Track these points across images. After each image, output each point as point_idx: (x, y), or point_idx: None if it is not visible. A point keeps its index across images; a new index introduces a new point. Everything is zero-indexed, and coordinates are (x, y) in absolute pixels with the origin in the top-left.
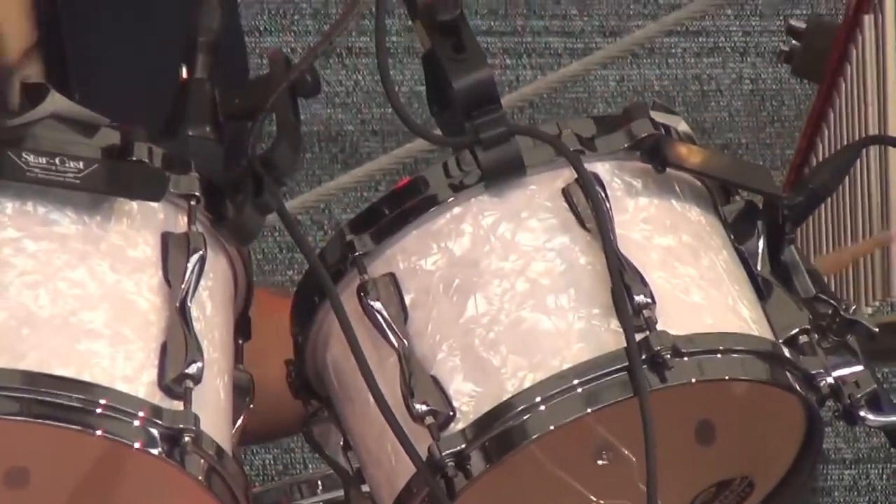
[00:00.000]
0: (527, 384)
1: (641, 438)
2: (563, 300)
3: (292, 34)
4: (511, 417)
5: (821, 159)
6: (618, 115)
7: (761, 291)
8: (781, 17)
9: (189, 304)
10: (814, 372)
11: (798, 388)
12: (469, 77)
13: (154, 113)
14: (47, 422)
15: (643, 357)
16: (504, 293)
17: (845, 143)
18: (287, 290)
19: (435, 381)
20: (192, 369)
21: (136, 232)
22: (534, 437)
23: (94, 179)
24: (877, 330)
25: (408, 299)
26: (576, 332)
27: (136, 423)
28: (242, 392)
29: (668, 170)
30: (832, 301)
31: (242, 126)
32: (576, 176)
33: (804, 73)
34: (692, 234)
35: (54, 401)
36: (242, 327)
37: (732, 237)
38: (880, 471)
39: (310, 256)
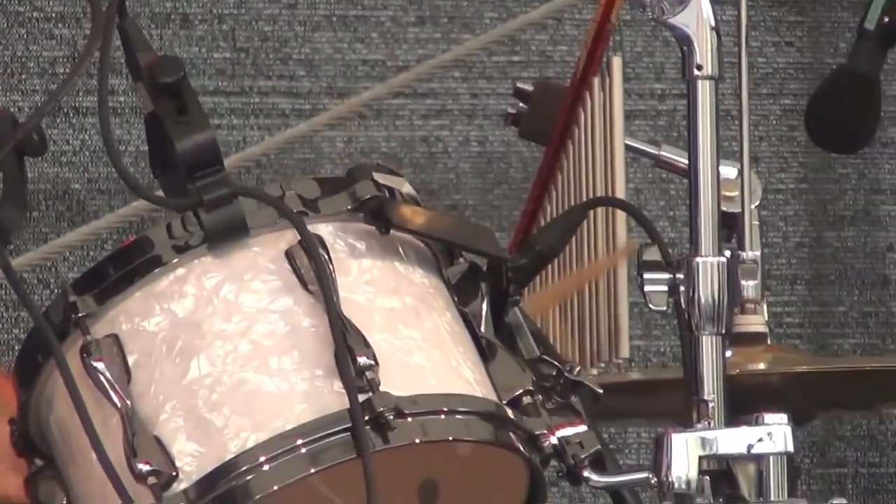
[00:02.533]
0: (250, 444)
1: (365, 498)
2: (286, 362)
3: (19, 93)
4: (234, 477)
5: (548, 221)
6: (341, 176)
7: (485, 353)
8: (509, 80)
9: None
10: (537, 432)
11: (521, 448)
12: (191, 139)
13: None
14: None
15: (366, 418)
16: (227, 355)
17: (573, 204)
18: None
19: (158, 441)
20: None
21: None
22: (257, 496)
23: None
24: (601, 391)
25: (131, 360)
26: (299, 394)
27: None
28: None
29: (391, 231)
30: (556, 362)
31: None
32: (299, 238)
33: (531, 136)
34: (415, 295)
35: None
36: None
37: (456, 299)
38: None
39: (35, 316)
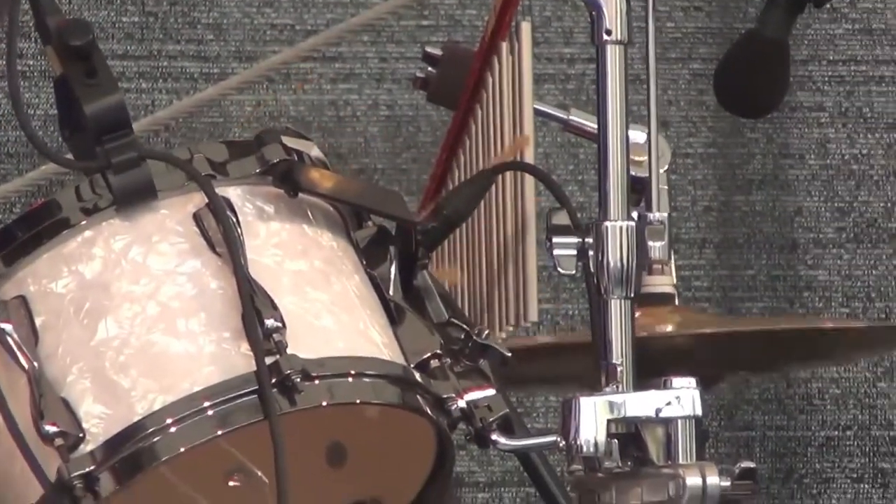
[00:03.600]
0: (157, 406)
1: (273, 460)
2: (194, 324)
3: None
4: (141, 439)
5: (456, 185)
6: (250, 140)
7: (393, 316)
8: (418, 44)
9: None
10: (445, 396)
11: (429, 411)
12: (100, 102)
13: None
14: None
15: (273, 380)
16: (135, 316)
17: (481, 169)
18: None
19: (65, 402)
20: None
21: None
22: (164, 458)
23: None
24: (509, 354)
25: (38, 322)
26: (206, 356)
27: None
28: None
29: (300, 195)
30: (464, 325)
31: None
32: (207, 200)
33: (440, 100)
34: (324, 259)
35: None
36: None
37: (365, 262)
38: (514, 494)
39: None
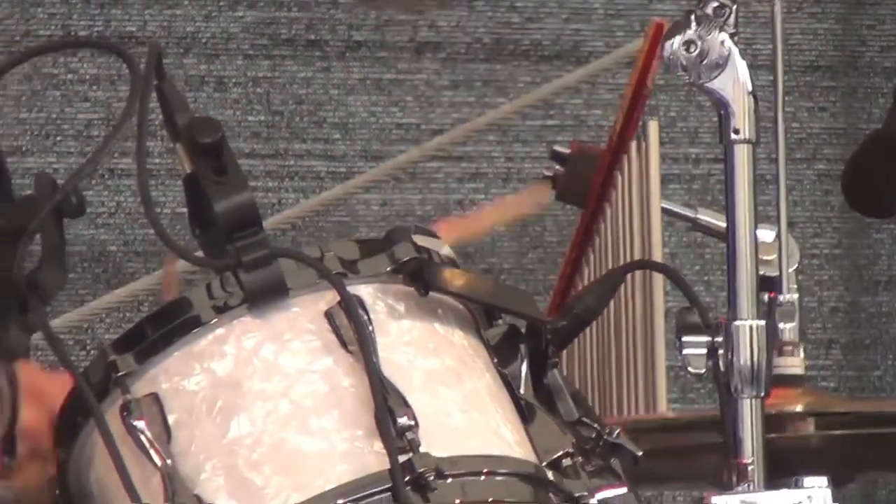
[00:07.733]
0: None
1: None
2: (327, 422)
3: (55, 155)
4: None
5: (585, 283)
6: (380, 238)
7: (524, 414)
8: (544, 144)
9: None
10: (577, 494)
11: None
12: (230, 200)
13: None
14: None
15: (406, 479)
16: (267, 414)
17: (610, 267)
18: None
19: (199, 500)
20: None
21: None
22: None
23: None
24: (641, 454)
25: (171, 419)
26: (339, 454)
27: None
28: None
29: (430, 293)
30: (595, 424)
31: (6, 247)
32: (338, 298)
33: (568, 199)
34: (455, 357)
35: None
36: (7, 445)
37: (495, 360)
38: None
39: (74, 375)
